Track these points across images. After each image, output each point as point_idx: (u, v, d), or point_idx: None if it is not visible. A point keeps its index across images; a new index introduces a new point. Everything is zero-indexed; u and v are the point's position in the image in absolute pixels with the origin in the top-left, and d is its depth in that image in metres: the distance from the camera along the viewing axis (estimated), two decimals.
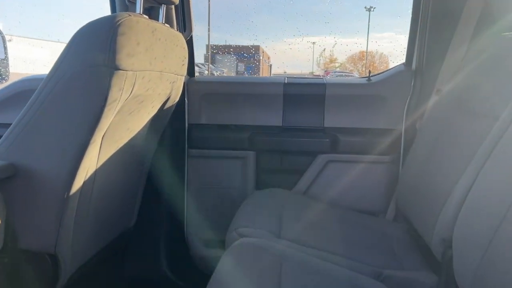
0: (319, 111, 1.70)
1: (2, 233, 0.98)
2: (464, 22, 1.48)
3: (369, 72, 1.71)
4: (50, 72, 1.00)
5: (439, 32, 1.54)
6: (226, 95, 1.75)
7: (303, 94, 1.72)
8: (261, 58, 18.86)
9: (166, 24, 1.31)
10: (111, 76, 0.98)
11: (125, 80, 1.02)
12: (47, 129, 0.99)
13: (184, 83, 1.68)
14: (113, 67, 0.97)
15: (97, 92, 0.98)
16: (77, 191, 1.06)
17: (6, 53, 2.13)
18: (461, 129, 1.23)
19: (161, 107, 1.42)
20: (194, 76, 1.77)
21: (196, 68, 1.86)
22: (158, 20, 1.44)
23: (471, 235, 0.93)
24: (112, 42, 0.96)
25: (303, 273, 0.96)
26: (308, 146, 1.70)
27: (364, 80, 1.71)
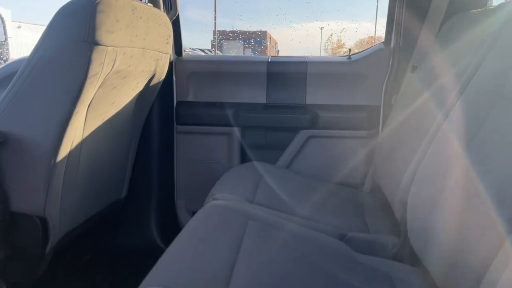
0: (301, 88, 1.77)
1: None
2: (437, 1, 1.53)
3: (350, 50, 1.77)
4: (35, 47, 1.08)
5: (414, 11, 1.59)
6: (213, 74, 1.82)
7: (286, 72, 1.79)
8: (268, 43, 18.78)
9: (148, 4, 1.39)
10: (91, 51, 1.06)
11: (105, 55, 1.10)
12: (32, 99, 1.08)
13: (171, 62, 1.76)
14: (93, 42, 1.05)
15: (79, 66, 1.07)
16: (64, 158, 1.15)
17: (6, 36, 2.24)
18: (427, 102, 1.29)
19: (147, 84, 1.51)
20: (181, 55, 1.85)
21: (203, 54, 1.93)
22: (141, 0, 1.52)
23: (420, 198, 1.01)
24: (91, 19, 1.05)
25: (267, 230, 1.05)
26: (290, 122, 1.77)
27: (344, 59, 1.78)
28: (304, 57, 1.81)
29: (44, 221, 1.16)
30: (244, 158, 1.81)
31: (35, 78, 1.08)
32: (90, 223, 1.46)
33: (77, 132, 1.19)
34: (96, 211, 1.48)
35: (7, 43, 2.31)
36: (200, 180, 1.83)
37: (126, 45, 1.19)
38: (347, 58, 1.77)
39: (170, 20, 1.56)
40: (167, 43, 1.49)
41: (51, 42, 1.07)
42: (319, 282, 0.86)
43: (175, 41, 1.77)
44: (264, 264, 0.88)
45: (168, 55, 1.55)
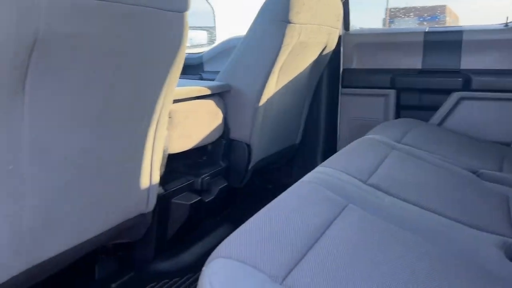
0: (456, 55, 1.97)
1: (223, 126, 1.67)
2: None
3: (507, 18, 1.89)
4: (251, 25, 1.62)
5: None
6: (374, 44, 2.16)
7: (441, 41, 2.01)
8: (447, 19, 17.32)
9: None
10: (285, 27, 1.54)
11: (294, 30, 1.57)
12: (246, 62, 1.62)
13: (340, 35, 2.17)
14: (287, 21, 1.53)
15: (277, 38, 1.56)
16: (263, 104, 1.68)
17: (214, 22, 2.98)
18: None
19: (320, 53, 1.95)
20: (349, 30, 2.23)
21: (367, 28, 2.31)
22: None
23: None
24: (287, 4, 1.52)
25: (406, 158, 1.38)
26: (443, 85, 2.00)
27: (501, 26, 1.91)
28: (460, 26, 2.00)
29: (249, 146, 1.72)
30: (398, 117, 2.12)
31: (248, 47, 1.62)
32: (275, 157, 1.99)
33: (271, 87, 1.70)
34: (279, 149, 2.01)
35: (215, 28, 3.05)
36: (359, 134, 2.21)
37: (308, 22, 1.64)
38: (504, 26, 1.89)
39: (342, 1, 1.96)
40: (337, 20, 1.90)
41: (260, 22, 1.59)
42: (439, 193, 1.17)
43: (344, 18, 2.17)
44: (401, 173, 1.24)
45: (338, 30, 1.95)
